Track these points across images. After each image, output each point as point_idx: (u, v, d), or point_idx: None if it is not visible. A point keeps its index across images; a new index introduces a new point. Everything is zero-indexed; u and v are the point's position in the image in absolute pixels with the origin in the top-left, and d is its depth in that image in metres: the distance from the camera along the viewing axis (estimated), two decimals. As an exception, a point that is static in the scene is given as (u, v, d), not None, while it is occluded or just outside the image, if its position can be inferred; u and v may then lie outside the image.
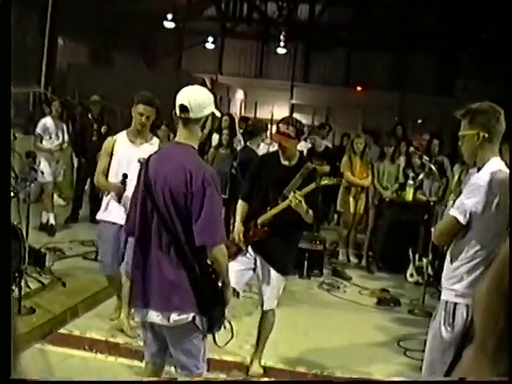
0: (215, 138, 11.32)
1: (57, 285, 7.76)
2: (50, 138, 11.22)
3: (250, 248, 6.05)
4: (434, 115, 24.55)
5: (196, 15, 32.09)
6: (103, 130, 11.61)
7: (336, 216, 13.61)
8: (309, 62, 33.80)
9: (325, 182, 6.02)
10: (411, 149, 11.76)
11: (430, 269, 9.22)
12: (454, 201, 4.64)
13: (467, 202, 4.27)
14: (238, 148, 10.92)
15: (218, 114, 4.40)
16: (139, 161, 6.07)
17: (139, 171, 4.44)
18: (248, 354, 6.42)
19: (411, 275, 10.27)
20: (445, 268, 4.54)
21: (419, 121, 26.41)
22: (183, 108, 4.17)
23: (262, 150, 10.34)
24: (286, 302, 7.42)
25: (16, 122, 13.26)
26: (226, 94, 29.37)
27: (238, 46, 34.21)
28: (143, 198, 4.23)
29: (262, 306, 6.15)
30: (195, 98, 4.20)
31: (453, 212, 4.35)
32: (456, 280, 4.36)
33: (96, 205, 11.31)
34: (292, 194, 5.72)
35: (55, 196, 12.41)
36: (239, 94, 32.52)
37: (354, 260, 11.53)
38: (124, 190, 6.39)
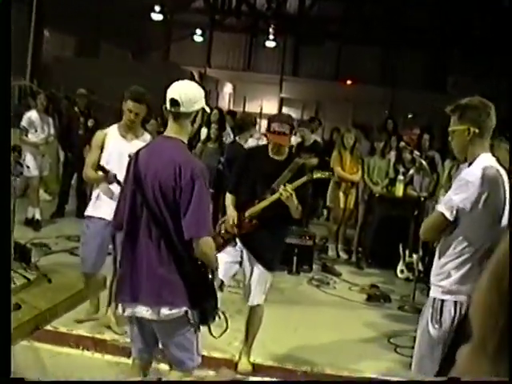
0: (204, 131, 11.32)
1: (43, 281, 7.74)
2: (36, 131, 11.18)
3: (238, 241, 6.07)
4: (425, 110, 24.61)
5: (184, 7, 31.97)
6: (90, 123, 11.59)
7: (326, 211, 13.65)
8: (298, 56, 33.75)
9: (317, 175, 6.05)
10: (402, 144, 11.79)
11: (420, 265, 9.24)
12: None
13: (455, 197, 4.28)
14: (227, 142, 10.93)
15: (207, 109, 4.46)
16: (129, 156, 6.05)
17: (128, 165, 4.46)
18: (237, 351, 6.44)
19: (401, 271, 10.30)
20: (433, 264, 4.57)
21: (410, 115, 26.47)
22: (174, 102, 4.21)
23: (250, 144, 10.34)
24: (275, 298, 7.43)
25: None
26: (215, 88, 29.31)
27: (226, 38, 34.13)
28: (133, 192, 4.25)
29: (249, 301, 6.18)
30: (186, 92, 4.25)
31: (440, 208, 4.37)
32: (443, 276, 4.38)
33: (83, 199, 11.36)
34: (282, 186, 5.73)
35: (41, 191, 12.37)
36: (228, 88, 32.48)
37: (343, 256, 11.57)
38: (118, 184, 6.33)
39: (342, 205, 11.25)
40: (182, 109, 4.22)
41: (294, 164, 5.99)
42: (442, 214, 4.31)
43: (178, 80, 4.39)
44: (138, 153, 4.41)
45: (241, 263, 6.10)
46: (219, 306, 4.39)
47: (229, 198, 6.21)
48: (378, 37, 29.72)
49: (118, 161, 6.32)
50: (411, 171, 10.76)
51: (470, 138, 4.32)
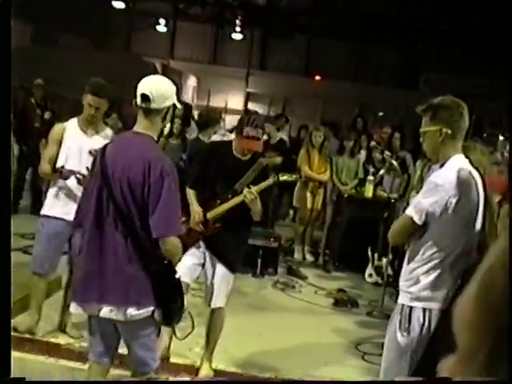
0: (167, 126, 11.25)
1: (-6, 281, 7.65)
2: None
3: (201, 242, 6.07)
4: (396, 108, 24.77)
5: (147, -5, 31.85)
6: (47, 115, 11.51)
7: (292, 212, 13.68)
8: (266, 49, 33.75)
9: (283, 178, 6.06)
10: (372, 143, 11.86)
11: (389, 269, 9.28)
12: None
13: (424, 201, 4.27)
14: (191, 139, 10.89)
15: (179, 105, 4.49)
16: (90, 152, 6.03)
17: (94, 161, 4.47)
18: (198, 357, 6.45)
19: (370, 275, 10.37)
20: (402, 269, 4.58)
21: (380, 114, 26.60)
22: (145, 97, 4.24)
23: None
24: (238, 302, 7.46)
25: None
26: (178, 81, 29.22)
27: (191, 29, 33.94)
28: (99, 188, 4.25)
29: (211, 304, 6.19)
30: (157, 87, 4.29)
31: (409, 211, 4.35)
32: (412, 282, 4.37)
33: (38, 195, 11.26)
34: (247, 189, 5.75)
35: (-7, 185, 12.23)
36: (191, 81, 32.37)
37: (310, 258, 11.61)
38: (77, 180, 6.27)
39: (309, 205, 11.29)
40: (153, 105, 4.25)
41: (257, 164, 5.99)
42: (411, 218, 4.30)
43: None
44: (104, 148, 4.40)
45: (203, 265, 6.11)
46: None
47: (190, 194, 6.16)
48: (350, 31, 29.81)
49: (77, 156, 6.29)
50: (381, 171, 10.81)
51: (443, 139, 4.32)
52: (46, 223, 6.59)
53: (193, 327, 4.65)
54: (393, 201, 10.17)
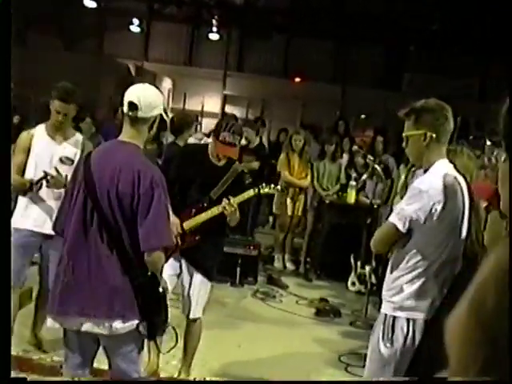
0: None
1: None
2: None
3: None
4: (379, 110, 24.82)
5: (120, -6, 31.76)
6: (15, 120, 11.44)
7: (272, 218, 13.67)
8: (243, 50, 33.72)
9: (265, 190, 6.10)
10: (354, 147, 11.88)
11: (373, 277, 9.29)
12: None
13: (407, 208, 4.25)
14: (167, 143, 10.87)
15: (165, 117, 4.49)
16: (61, 160, 6.01)
17: (75, 170, 4.45)
18: (175, 370, 6.44)
19: (353, 284, 10.38)
20: (385, 278, 4.56)
21: (363, 116, 26.66)
22: (132, 105, 4.24)
23: (191, 144, 10.31)
24: (216, 312, 7.45)
25: None
26: (153, 83, 29.15)
27: (166, 29, 33.87)
28: (84, 198, 4.23)
29: (189, 314, 6.19)
30: (146, 96, 4.31)
31: (392, 218, 4.32)
32: (395, 291, 4.36)
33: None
34: (226, 200, 5.75)
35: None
36: (167, 83, 32.28)
37: (290, 267, 11.61)
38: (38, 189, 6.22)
39: (289, 212, 11.28)
40: (140, 113, 4.26)
41: (232, 170, 6.01)
42: (394, 226, 4.27)
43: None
44: (88, 157, 4.39)
45: (179, 275, 6.11)
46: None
47: None
48: (330, 30, 29.84)
49: (47, 164, 6.24)
50: (364, 176, 10.78)
51: (427, 143, 4.30)
52: (15, 233, 6.48)
53: (176, 340, 4.65)
54: (376, 206, 10.16)
